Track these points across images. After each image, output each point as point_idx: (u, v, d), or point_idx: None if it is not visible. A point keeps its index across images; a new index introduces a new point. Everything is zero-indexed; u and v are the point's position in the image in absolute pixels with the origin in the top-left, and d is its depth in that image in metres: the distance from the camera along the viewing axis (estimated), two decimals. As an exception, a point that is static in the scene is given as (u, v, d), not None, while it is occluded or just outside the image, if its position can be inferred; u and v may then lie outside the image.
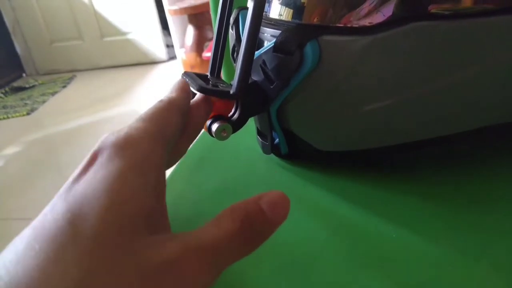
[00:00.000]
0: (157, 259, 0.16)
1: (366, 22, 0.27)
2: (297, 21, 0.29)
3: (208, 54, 2.14)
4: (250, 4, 0.27)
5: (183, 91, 0.27)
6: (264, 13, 0.31)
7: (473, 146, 0.35)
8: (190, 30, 2.28)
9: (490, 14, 0.26)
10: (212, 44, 0.34)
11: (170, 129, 0.23)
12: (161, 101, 0.25)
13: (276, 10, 0.31)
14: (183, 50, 2.41)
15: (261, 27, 0.30)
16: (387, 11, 0.26)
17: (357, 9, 0.27)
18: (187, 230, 0.18)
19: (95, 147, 0.20)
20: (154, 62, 2.69)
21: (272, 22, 0.31)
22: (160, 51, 2.66)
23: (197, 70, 2.25)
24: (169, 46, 2.66)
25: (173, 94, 0.26)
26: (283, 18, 0.30)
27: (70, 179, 0.19)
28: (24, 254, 0.16)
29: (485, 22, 0.26)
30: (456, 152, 0.35)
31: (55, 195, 0.19)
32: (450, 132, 0.31)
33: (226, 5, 0.32)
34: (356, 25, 0.27)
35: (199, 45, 2.25)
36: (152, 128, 0.22)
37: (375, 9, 0.27)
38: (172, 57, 2.67)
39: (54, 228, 0.16)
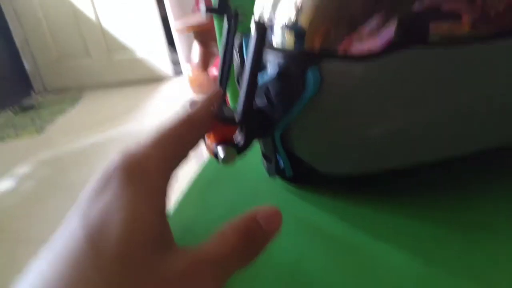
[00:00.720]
0: (172, 273, 0.19)
1: (365, 48, 0.28)
2: (298, 48, 0.30)
3: (214, 70, 2.16)
4: (252, 32, 0.28)
5: (208, 109, 0.27)
6: (267, 40, 0.32)
7: (474, 170, 0.35)
8: (196, 47, 2.30)
9: (486, 40, 0.27)
10: (217, 60, 0.35)
11: (183, 152, 0.24)
12: (181, 118, 0.25)
13: (279, 37, 0.31)
14: (189, 66, 2.43)
15: (264, 53, 0.31)
16: (385, 37, 0.27)
17: (359, 30, 0.28)
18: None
19: (108, 167, 0.21)
20: (161, 79, 2.72)
21: (275, 49, 0.31)
22: (166, 68, 2.69)
23: (204, 88, 2.27)
24: (176, 62, 2.69)
25: (198, 111, 0.26)
26: (285, 44, 0.31)
27: (85, 199, 0.20)
28: (50, 277, 0.18)
29: (481, 48, 0.27)
30: (457, 176, 0.35)
31: (71, 213, 0.20)
32: (451, 155, 0.31)
33: (230, 31, 0.33)
34: (356, 52, 0.28)
35: (205, 61, 2.27)
36: (164, 153, 0.23)
37: (377, 29, 0.27)
38: (179, 73, 2.70)
39: (77, 250, 0.18)
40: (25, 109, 2.67)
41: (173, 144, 0.23)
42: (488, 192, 0.33)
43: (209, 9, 0.27)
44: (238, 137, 0.31)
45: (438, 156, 0.31)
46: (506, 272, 0.26)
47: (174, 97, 2.44)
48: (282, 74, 0.29)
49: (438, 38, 0.27)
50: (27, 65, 2.92)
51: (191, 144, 0.25)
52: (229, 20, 0.30)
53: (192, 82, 2.37)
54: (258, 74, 0.29)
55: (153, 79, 2.73)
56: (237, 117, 0.29)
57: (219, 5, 0.28)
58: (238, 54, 0.35)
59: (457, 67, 0.27)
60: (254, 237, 0.21)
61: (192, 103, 0.31)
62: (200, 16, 2.28)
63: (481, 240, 0.28)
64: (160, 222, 0.20)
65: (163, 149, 0.23)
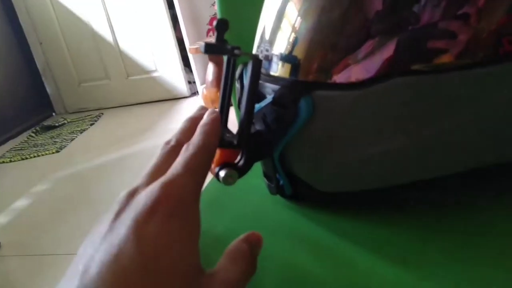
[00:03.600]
0: None
1: (354, 78, 0.30)
2: (293, 77, 0.32)
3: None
4: (249, 65, 0.31)
5: (218, 135, 0.29)
6: (265, 69, 0.35)
7: (470, 187, 0.36)
8: (210, 67, 2.36)
9: (465, 68, 0.29)
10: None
11: (205, 177, 0.27)
12: (206, 148, 0.27)
13: (276, 67, 0.34)
14: (204, 86, 2.49)
15: (263, 82, 0.34)
16: (372, 68, 0.29)
17: (349, 60, 0.30)
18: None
19: (152, 198, 0.23)
20: (177, 98, 2.78)
21: (272, 78, 0.34)
22: (182, 88, 2.75)
23: (217, 105, 2.30)
24: (191, 82, 2.75)
25: (213, 139, 0.28)
26: (281, 74, 0.33)
27: (131, 223, 0.22)
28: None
29: (460, 75, 0.29)
30: (452, 192, 0.36)
31: (115, 229, 0.23)
32: (442, 174, 0.33)
33: (230, 62, 0.36)
34: (346, 81, 0.30)
35: (219, 80, 2.32)
36: (197, 185, 0.26)
37: (372, 53, 0.30)
38: (194, 92, 2.76)
39: (132, 274, 0.21)
40: (46, 129, 2.75)
41: (201, 171, 0.26)
42: (486, 208, 0.34)
43: (208, 49, 0.30)
44: (239, 159, 0.33)
45: (430, 174, 0.33)
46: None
47: (189, 115, 2.49)
48: (277, 101, 0.31)
49: (421, 68, 0.29)
50: (48, 88, 3.01)
51: (209, 169, 0.28)
52: (228, 57, 0.33)
53: (206, 99, 2.43)
54: (256, 101, 0.31)
55: (170, 98, 2.79)
56: (236, 141, 0.31)
57: (217, 44, 0.31)
58: (239, 83, 0.37)
59: (438, 93, 0.30)
60: (254, 259, 0.27)
61: (202, 108, 0.33)
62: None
63: (480, 253, 0.30)
64: (198, 249, 0.24)
65: (195, 178, 0.25)
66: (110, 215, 0.24)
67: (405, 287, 0.28)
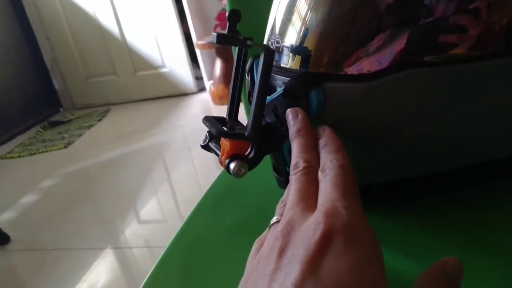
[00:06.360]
0: None
1: (365, 69, 0.30)
2: (304, 69, 0.32)
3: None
4: (261, 56, 0.31)
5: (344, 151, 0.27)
6: (275, 62, 0.34)
7: (473, 179, 0.36)
8: (218, 63, 2.36)
9: (476, 59, 0.29)
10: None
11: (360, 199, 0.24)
12: (344, 167, 0.25)
13: (286, 59, 0.34)
14: (211, 82, 2.49)
15: (273, 74, 0.34)
16: (384, 60, 0.29)
17: (367, 46, 0.30)
18: (207, 266, 0.21)
19: (323, 226, 0.21)
20: (184, 94, 2.78)
21: (283, 70, 0.34)
22: (189, 84, 2.75)
23: (224, 101, 2.32)
24: (198, 78, 2.75)
25: (342, 154, 0.26)
26: (292, 66, 0.33)
27: (305, 250, 0.20)
28: None
29: (472, 67, 0.29)
30: (459, 187, 0.36)
31: (282, 265, 0.20)
32: (453, 166, 0.33)
33: (241, 54, 0.36)
34: (357, 72, 0.30)
35: (226, 76, 2.32)
36: (359, 206, 0.23)
37: (384, 45, 0.30)
38: (201, 88, 2.76)
39: None
40: (54, 125, 2.77)
41: (354, 190, 0.24)
42: (488, 200, 0.34)
43: (220, 40, 0.29)
44: (249, 152, 0.33)
45: (441, 166, 0.33)
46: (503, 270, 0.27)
47: (196, 111, 2.49)
48: (288, 93, 0.31)
49: (432, 59, 0.29)
50: (56, 84, 3.03)
51: (357, 187, 0.25)
52: (239, 49, 0.33)
53: (214, 95, 2.43)
54: (267, 93, 0.31)
55: (177, 94, 2.79)
56: (247, 133, 0.31)
57: (229, 35, 0.30)
58: (249, 75, 0.37)
59: (449, 84, 0.29)
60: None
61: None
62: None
63: (481, 246, 0.30)
64: (385, 275, 0.21)
65: (351, 199, 0.23)
66: (272, 252, 0.22)
67: (408, 280, 0.28)
